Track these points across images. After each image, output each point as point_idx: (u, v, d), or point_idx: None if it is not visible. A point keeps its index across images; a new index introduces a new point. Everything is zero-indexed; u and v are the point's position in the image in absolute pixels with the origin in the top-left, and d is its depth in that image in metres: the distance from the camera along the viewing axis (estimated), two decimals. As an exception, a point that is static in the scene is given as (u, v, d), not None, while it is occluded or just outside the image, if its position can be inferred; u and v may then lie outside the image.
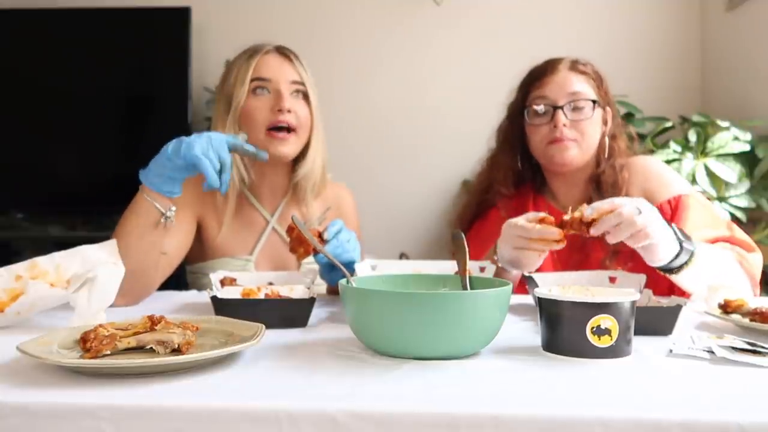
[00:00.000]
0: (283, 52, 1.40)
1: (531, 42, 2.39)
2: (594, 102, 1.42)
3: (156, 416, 0.57)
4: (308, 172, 1.40)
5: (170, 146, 1.11)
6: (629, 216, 1.01)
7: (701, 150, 1.98)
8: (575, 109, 1.40)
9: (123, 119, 2.45)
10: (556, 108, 1.40)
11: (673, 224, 1.10)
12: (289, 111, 1.33)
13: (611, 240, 1.03)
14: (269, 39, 1.46)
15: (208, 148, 1.10)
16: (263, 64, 1.36)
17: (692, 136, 1.99)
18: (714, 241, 1.28)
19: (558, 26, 2.44)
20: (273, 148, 1.34)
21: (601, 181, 1.43)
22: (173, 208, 1.14)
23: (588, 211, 1.05)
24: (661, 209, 1.31)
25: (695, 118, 2.07)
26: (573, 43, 2.39)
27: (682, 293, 1.19)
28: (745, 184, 1.94)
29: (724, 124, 1.99)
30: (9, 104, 2.45)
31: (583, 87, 1.42)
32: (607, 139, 1.46)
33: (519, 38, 2.43)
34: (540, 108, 1.42)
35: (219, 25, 2.52)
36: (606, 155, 1.45)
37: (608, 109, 1.47)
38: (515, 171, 1.52)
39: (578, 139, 1.40)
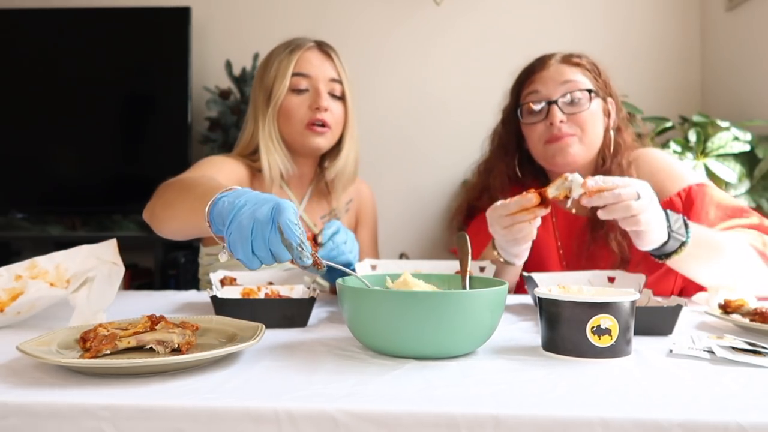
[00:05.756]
0: (323, 48, 1.42)
1: (530, 42, 2.39)
2: (590, 92, 1.33)
3: (156, 416, 0.57)
4: (342, 168, 1.45)
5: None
6: (626, 199, 1.01)
7: (701, 150, 1.98)
8: (571, 102, 1.32)
9: (123, 119, 2.45)
10: (550, 103, 1.32)
11: (669, 212, 1.09)
12: (326, 110, 1.37)
13: (602, 216, 1.04)
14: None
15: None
16: (304, 60, 1.39)
17: (692, 136, 1.99)
18: (740, 227, 1.23)
19: (557, 26, 2.44)
20: (310, 140, 1.38)
21: None
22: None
23: (591, 182, 1.04)
24: (671, 203, 1.30)
25: (695, 118, 2.07)
26: (573, 43, 2.39)
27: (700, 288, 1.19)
28: (745, 184, 1.94)
29: (724, 124, 1.99)
30: (9, 104, 2.45)
31: (578, 77, 1.33)
32: (612, 133, 1.36)
33: (518, 38, 2.43)
34: (534, 105, 1.34)
35: (219, 25, 2.52)
36: (611, 151, 1.36)
37: (610, 99, 1.38)
38: (511, 177, 1.44)
39: (578, 134, 1.32)
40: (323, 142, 1.40)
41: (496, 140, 1.50)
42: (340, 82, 1.41)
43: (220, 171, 1.34)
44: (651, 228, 1.05)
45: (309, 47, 1.41)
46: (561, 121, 1.31)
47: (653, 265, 1.23)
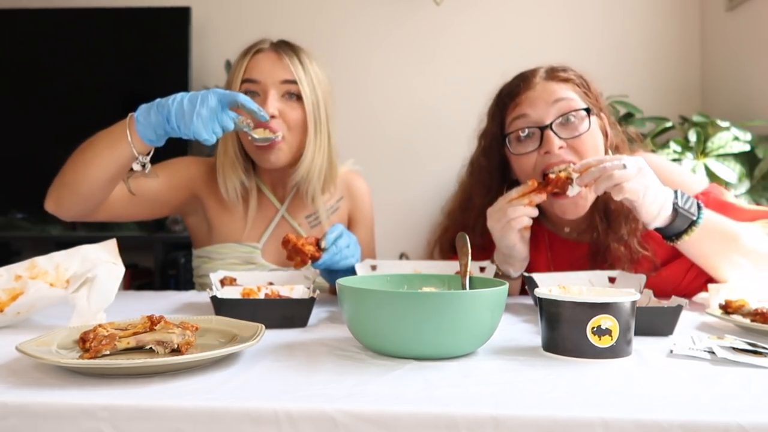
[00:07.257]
0: (277, 49, 1.33)
1: (531, 42, 2.39)
2: (587, 111, 1.18)
3: (156, 416, 0.56)
4: (305, 174, 1.34)
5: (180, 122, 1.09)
6: (609, 169, 1.04)
7: (701, 150, 1.98)
8: (567, 123, 1.17)
9: (123, 119, 2.45)
10: (543, 128, 1.16)
11: (679, 191, 1.08)
12: (273, 116, 1.26)
13: (595, 191, 1.09)
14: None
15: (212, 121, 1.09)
16: (254, 64, 1.31)
17: (692, 136, 1.99)
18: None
19: (557, 26, 2.44)
20: (261, 160, 1.31)
21: (611, 210, 1.22)
22: (146, 160, 1.16)
23: (576, 166, 1.10)
24: None
25: (695, 118, 2.07)
26: (573, 43, 2.40)
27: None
28: (745, 184, 1.94)
29: (724, 124, 1.99)
30: (9, 104, 2.45)
31: (569, 94, 1.19)
32: (611, 153, 1.23)
33: (518, 38, 2.43)
34: (523, 132, 1.19)
35: (219, 25, 2.52)
36: None
37: (603, 115, 1.25)
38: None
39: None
40: (274, 157, 1.30)
41: (476, 174, 1.34)
42: (294, 82, 1.30)
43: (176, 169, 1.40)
44: (641, 196, 1.04)
45: (260, 49, 1.33)
46: (560, 148, 1.16)
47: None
